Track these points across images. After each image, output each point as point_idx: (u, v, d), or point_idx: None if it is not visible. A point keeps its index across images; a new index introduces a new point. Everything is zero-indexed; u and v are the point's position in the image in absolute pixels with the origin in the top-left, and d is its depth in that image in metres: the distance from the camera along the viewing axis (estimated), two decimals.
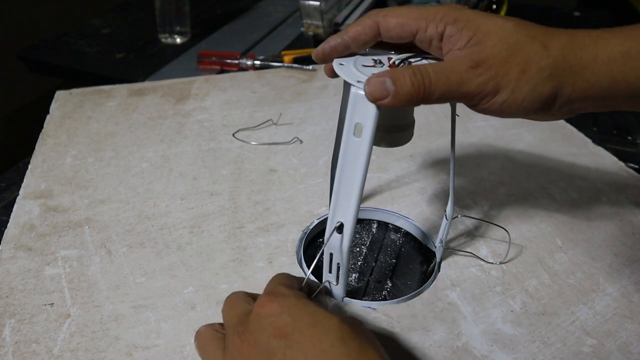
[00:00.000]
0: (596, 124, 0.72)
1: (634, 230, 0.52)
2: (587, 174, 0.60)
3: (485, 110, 0.34)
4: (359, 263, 0.49)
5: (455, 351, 0.39)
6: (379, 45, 0.38)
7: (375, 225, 0.54)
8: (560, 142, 0.66)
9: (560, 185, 0.58)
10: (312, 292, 0.40)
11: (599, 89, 0.33)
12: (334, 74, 0.37)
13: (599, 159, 0.63)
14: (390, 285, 0.46)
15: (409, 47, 0.37)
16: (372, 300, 0.45)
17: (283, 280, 0.36)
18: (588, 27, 0.34)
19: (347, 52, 0.37)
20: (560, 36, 0.33)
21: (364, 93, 0.32)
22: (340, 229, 0.37)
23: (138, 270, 0.46)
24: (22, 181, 0.57)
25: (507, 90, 0.32)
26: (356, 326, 0.32)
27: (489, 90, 0.32)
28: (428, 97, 0.32)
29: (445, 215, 0.44)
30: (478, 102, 0.33)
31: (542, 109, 0.33)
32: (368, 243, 0.51)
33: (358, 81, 0.33)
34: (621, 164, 0.62)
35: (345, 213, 0.36)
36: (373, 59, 0.36)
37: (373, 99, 0.32)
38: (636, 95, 0.33)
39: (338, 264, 0.39)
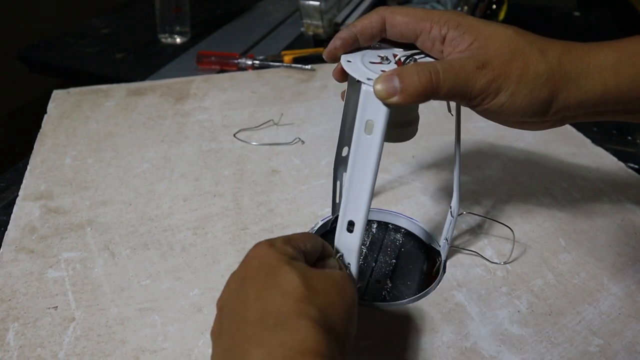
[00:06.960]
0: (596, 124, 0.72)
1: (635, 230, 0.52)
2: (588, 174, 0.60)
3: (484, 111, 0.35)
4: (360, 263, 0.49)
5: (464, 352, 0.39)
6: (383, 42, 0.38)
7: (375, 226, 0.53)
8: (560, 142, 0.66)
9: (561, 185, 0.58)
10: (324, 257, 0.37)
11: (592, 96, 0.34)
12: (342, 77, 0.37)
13: (599, 159, 0.63)
14: (390, 285, 0.46)
15: (409, 47, 0.38)
16: (374, 300, 0.45)
17: (286, 237, 0.35)
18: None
19: (355, 45, 0.37)
20: (556, 45, 0.35)
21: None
22: (351, 227, 0.36)
23: (142, 272, 0.46)
24: (21, 181, 0.56)
25: (507, 92, 0.33)
26: (317, 288, 0.30)
27: (490, 91, 0.34)
28: (436, 94, 0.33)
29: (451, 212, 0.44)
30: (479, 103, 0.34)
31: (537, 113, 0.35)
32: (368, 243, 0.51)
33: (368, 78, 0.33)
34: (621, 164, 0.62)
35: (356, 211, 0.36)
36: (379, 56, 0.37)
37: (382, 98, 0.32)
38: (626, 101, 0.35)
39: (348, 263, 0.39)
